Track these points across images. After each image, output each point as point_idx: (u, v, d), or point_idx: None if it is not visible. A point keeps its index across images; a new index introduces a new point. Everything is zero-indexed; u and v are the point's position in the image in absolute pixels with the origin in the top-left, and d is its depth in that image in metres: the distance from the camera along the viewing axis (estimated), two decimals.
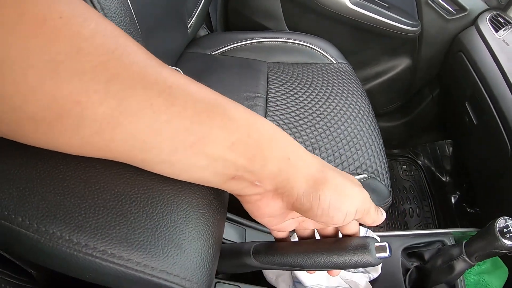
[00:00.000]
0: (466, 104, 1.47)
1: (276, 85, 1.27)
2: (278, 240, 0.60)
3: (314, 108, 1.19)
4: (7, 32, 0.26)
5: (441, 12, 1.57)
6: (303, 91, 1.25)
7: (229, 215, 0.90)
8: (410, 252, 1.08)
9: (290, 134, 1.09)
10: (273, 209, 0.43)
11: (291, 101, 1.21)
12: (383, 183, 1.09)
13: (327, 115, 1.18)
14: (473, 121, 1.42)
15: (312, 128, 1.13)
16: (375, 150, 1.13)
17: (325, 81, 1.30)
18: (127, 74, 0.29)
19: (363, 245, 0.52)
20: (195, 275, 0.37)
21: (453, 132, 1.76)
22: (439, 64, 1.72)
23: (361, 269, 0.96)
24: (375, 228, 1.11)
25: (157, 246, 0.35)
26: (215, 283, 0.78)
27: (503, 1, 1.53)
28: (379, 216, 0.51)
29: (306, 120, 1.15)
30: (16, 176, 0.33)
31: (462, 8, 1.55)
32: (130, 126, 0.30)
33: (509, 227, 0.82)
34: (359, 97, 1.28)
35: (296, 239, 0.60)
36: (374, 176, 1.08)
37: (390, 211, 1.74)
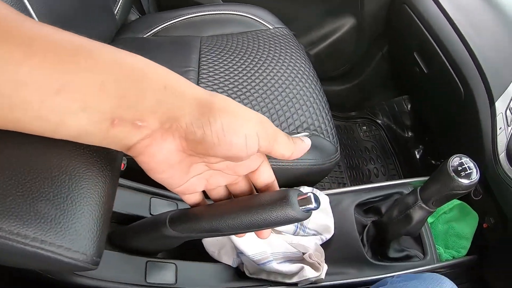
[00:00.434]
0: (415, 55, 1.44)
1: (209, 57, 1.21)
2: (193, 206, 0.54)
3: (249, 74, 1.14)
4: None
5: None
6: (237, 59, 1.20)
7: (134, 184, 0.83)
8: (367, 208, 1.04)
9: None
10: (168, 153, 0.39)
11: (225, 70, 1.16)
12: (328, 139, 1.05)
13: (263, 79, 1.13)
14: (423, 70, 1.40)
15: (247, 93, 1.08)
16: (317, 108, 1.09)
17: (260, 47, 1.25)
18: None
19: (282, 198, 0.47)
20: (76, 242, 0.36)
21: (408, 87, 1.73)
22: (384, 20, 1.67)
23: (312, 231, 0.91)
24: (325, 187, 1.06)
25: (29, 213, 0.33)
26: (146, 262, 0.72)
27: None
28: (297, 144, 0.45)
29: (241, 86, 1.10)
30: None
31: None
32: None
33: (463, 165, 0.77)
34: (298, 58, 1.23)
35: None
36: (317, 133, 1.04)
37: (355, 173, 1.71)
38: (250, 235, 0.76)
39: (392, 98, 1.89)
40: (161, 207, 0.82)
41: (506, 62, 1.05)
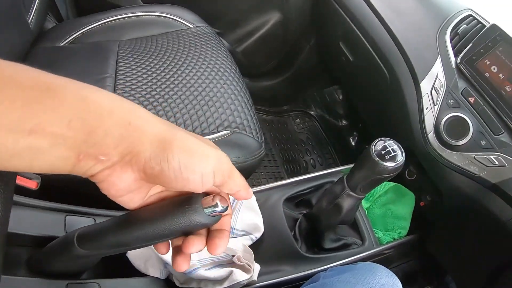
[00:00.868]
0: (341, 44, 1.45)
1: (127, 61, 1.16)
2: None
3: (168, 76, 1.11)
4: None
5: None
6: (156, 61, 1.16)
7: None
8: (298, 201, 1.02)
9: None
10: (127, 182, 0.41)
11: (143, 74, 1.11)
12: (251, 135, 1.02)
13: (182, 79, 1.10)
14: (349, 59, 1.41)
15: (166, 96, 1.05)
16: (239, 105, 1.06)
17: (180, 47, 1.21)
18: None
19: (184, 204, 0.44)
20: None
21: (337, 76, 1.74)
22: (309, 12, 1.68)
23: (240, 232, 0.88)
24: (262, 183, 1.04)
25: None
26: (66, 284, 0.67)
27: None
28: (246, 183, 0.48)
29: (159, 89, 1.07)
30: None
31: None
32: None
33: (387, 148, 0.75)
34: (219, 55, 1.21)
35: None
36: (238, 131, 1.02)
37: (292, 166, 1.71)
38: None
39: (323, 89, 1.90)
40: (76, 224, 0.77)
41: (428, 43, 1.06)
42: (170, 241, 0.50)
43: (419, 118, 1.02)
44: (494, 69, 0.94)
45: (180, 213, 0.44)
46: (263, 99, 1.86)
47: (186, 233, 0.47)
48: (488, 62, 0.95)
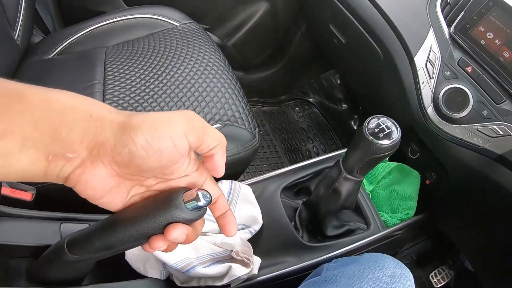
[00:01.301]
0: (331, 27, 1.42)
1: (114, 65, 1.15)
2: None
3: (156, 76, 1.10)
4: None
5: None
6: (143, 62, 1.15)
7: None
8: (298, 189, 1.00)
9: (131, 110, 1.00)
10: (101, 178, 0.40)
11: (131, 76, 1.10)
12: (243, 127, 1.01)
13: (170, 78, 1.09)
14: (341, 41, 1.38)
15: (155, 96, 1.04)
16: (230, 97, 1.05)
17: (167, 46, 1.20)
18: None
19: (165, 201, 0.43)
20: None
21: (332, 60, 1.71)
22: None
23: (239, 226, 0.86)
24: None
25: None
26: None
27: None
28: (223, 136, 0.45)
29: (148, 90, 1.06)
30: None
31: None
32: None
33: (381, 125, 0.72)
34: (207, 50, 1.19)
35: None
36: (230, 123, 1.01)
37: (294, 155, 1.69)
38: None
39: (319, 75, 1.88)
40: (71, 231, 0.76)
41: (418, 16, 1.03)
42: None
43: (416, 94, 0.99)
44: (489, 35, 0.91)
45: (161, 210, 0.43)
46: (260, 90, 1.84)
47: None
48: (482, 29, 0.92)
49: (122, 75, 1.11)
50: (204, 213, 0.45)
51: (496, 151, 0.86)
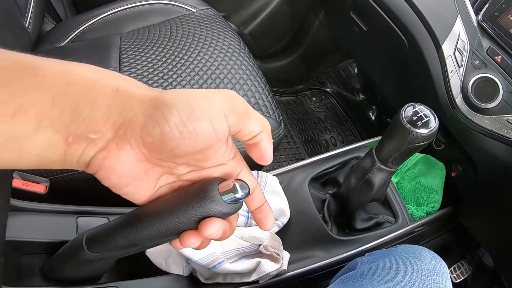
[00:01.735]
0: (352, 14, 1.39)
1: (130, 52, 1.11)
2: None
3: (174, 62, 1.06)
4: None
5: None
6: (160, 49, 1.11)
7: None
8: (324, 180, 0.97)
9: None
10: (127, 163, 0.36)
11: (148, 63, 1.07)
12: (268, 115, 0.99)
13: (189, 64, 1.05)
14: (363, 28, 1.34)
15: (174, 83, 1.01)
16: (252, 85, 1.02)
17: (185, 32, 1.16)
18: None
19: (199, 193, 0.38)
20: None
21: (351, 49, 1.66)
22: None
23: None
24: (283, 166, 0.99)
25: None
26: None
27: None
28: (268, 123, 0.40)
29: (166, 77, 1.02)
30: None
31: None
32: None
33: (418, 113, 0.68)
34: (226, 37, 1.15)
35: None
36: None
37: (312, 146, 1.66)
38: None
39: (337, 64, 1.84)
40: (89, 226, 0.73)
41: (445, 2, 1.00)
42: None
43: (444, 83, 0.96)
44: None
45: (194, 203, 0.38)
46: (277, 80, 1.81)
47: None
48: (511, 18, 0.88)
49: (138, 61, 1.08)
50: (241, 206, 0.41)
51: None
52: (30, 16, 1.23)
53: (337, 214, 0.91)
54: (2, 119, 0.30)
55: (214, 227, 0.38)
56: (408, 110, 0.69)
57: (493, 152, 0.89)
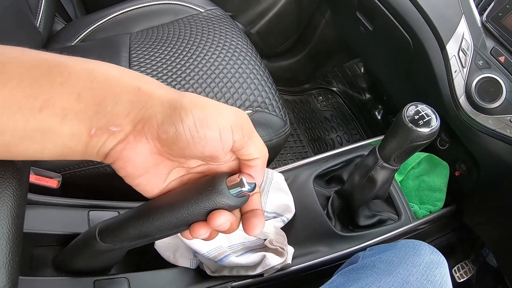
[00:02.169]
0: (358, 14, 1.40)
1: (139, 51, 1.13)
2: None
3: (182, 62, 1.08)
4: None
5: None
6: (169, 49, 1.13)
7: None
8: (329, 178, 0.98)
9: None
10: (142, 155, 0.39)
11: (157, 62, 1.09)
12: (274, 113, 1.00)
13: (197, 64, 1.07)
14: (369, 28, 1.35)
15: (182, 82, 1.02)
16: (259, 84, 1.03)
17: (193, 32, 1.18)
18: None
19: (208, 186, 0.40)
20: None
21: (357, 49, 1.68)
22: None
23: (271, 214, 0.85)
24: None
25: None
26: (94, 281, 0.65)
27: None
28: (266, 152, 0.44)
29: (175, 76, 1.04)
30: None
31: None
32: None
33: (420, 112, 0.70)
34: (234, 37, 1.17)
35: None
36: (261, 110, 0.99)
37: (318, 145, 1.67)
38: None
39: (343, 64, 1.85)
40: (100, 219, 0.75)
41: (450, 3, 1.01)
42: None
43: (448, 83, 0.97)
44: None
45: (203, 196, 0.41)
46: (283, 79, 1.82)
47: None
48: None
49: (147, 61, 1.10)
50: (247, 199, 0.43)
51: None
52: (41, 16, 1.25)
53: (341, 210, 0.93)
54: (31, 112, 0.32)
55: (222, 218, 0.41)
56: (410, 109, 0.71)
57: (496, 152, 0.90)
